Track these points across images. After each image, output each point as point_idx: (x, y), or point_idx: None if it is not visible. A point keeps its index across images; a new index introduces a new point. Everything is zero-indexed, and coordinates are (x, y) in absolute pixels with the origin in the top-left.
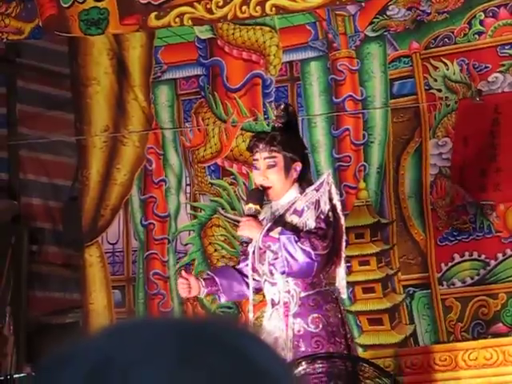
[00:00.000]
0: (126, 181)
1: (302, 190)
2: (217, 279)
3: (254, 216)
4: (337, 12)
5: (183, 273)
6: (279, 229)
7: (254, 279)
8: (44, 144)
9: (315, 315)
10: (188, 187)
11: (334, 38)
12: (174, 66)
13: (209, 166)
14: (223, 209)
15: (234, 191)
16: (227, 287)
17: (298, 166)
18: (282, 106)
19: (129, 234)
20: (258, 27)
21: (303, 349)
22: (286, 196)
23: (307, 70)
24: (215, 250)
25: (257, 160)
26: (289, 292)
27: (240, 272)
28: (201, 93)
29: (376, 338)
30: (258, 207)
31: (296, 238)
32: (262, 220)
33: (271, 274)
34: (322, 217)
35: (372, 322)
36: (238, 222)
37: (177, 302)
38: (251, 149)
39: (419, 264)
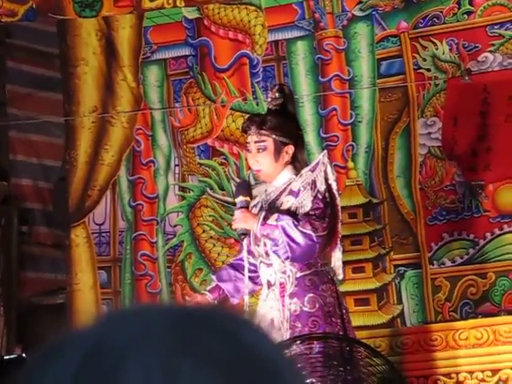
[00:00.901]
0: (114, 161)
1: (297, 171)
2: (221, 285)
3: (246, 207)
4: None
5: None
6: (276, 215)
7: (249, 262)
8: (34, 125)
9: (311, 295)
10: (177, 168)
11: (321, 17)
12: (163, 46)
13: (198, 147)
14: (211, 189)
15: (225, 171)
16: (233, 290)
17: (290, 148)
18: (277, 87)
19: (116, 214)
20: (242, 6)
21: (300, 329)
22: (279, 178)
23: (293, 49)
24: (203, 231)
25: (248, 143)
26: (285, 272)
27: (238, 269)
28: (190, 73)
29: (361, 318)
30: (248, 199)
31: (295, 222)
32: (257, 203)
33: (267, 254)
34: (320, 196)
35: (358, 302)
36: (227, 202)
37: (165, 283)
38: (244, 131)
39: (411, 244)
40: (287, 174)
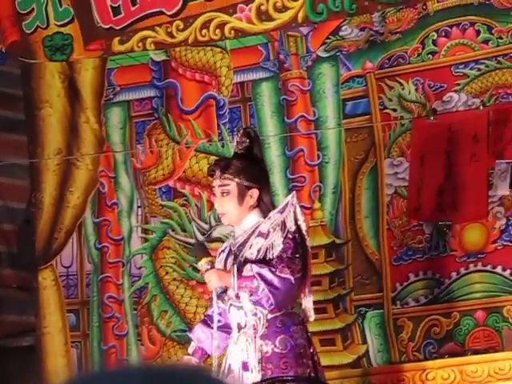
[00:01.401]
0: (80, 203)
1: (264, 214)
2: (201, 346)
3: (212, 267)
4: (289, 33)
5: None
6: (249, 266)
7: (218, 306)
8: None
9: (282, 336)
10: (139, 209)
11: (286, 58)
12: (127, 88)
13: (160, 188)
14: (173, 230)
15: (186, 212)
16: (213, 347)
17: (255, 192)
18: (242, 131)
19: (82, 257)
20: (208, 48)
21: (272, 370)
22: (246, 221)
23: (258, 90)
24: (166, 273)
25: (214, 187)
26: (256, 315)
27: (210, 324)
28: (154, 114)
29: (328, 358)
30: (210, 258)
31: (272, 268)
32: (225, 248)
33: (237, 297)
34: (290, 236)
35: (324, 342)
36: (189, 243)
37: (132, 325)
38: (210, 175)
39: (374, 283)
40: (254, 216)
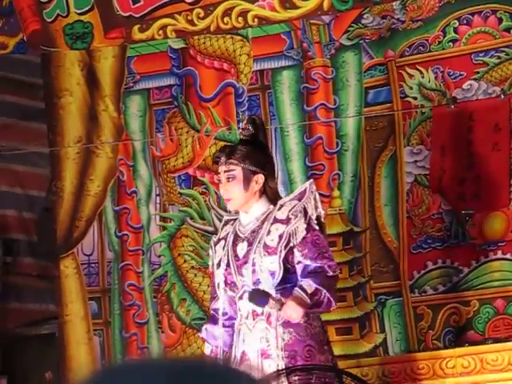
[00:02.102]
0: (100, 192)
1: (271, 201)
2: (214, 344)
3: (282, 303)
4: (311, 21)
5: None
6: (305, 282)
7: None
8: (17, 155)
9: (304, 324)
10: (157, 198)
11: (309, 46)
12: (146, 76)
13: (179, 176)
14: (191, 218)
15: (205, 200)
16: (225, 344)
17: (260, 178)
18: (247, 118)
19: (103, 245)
20: (228, 36)
21: (295, 359)
22: (255, 208)
23: (278, 78)
24: (184, 261)
25: (219, 173)
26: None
27: (216, 322)
28: (174, 102)
29: (343, 347)
30: (278, 297)
31: (326, 268)
32: (227, 235)
33: (254, 284)
34: (313, 224)
35: (340, 331)
36: (207, 231)
37: (152, 312)
38: (216, 161)
39: (391, 272)
40: (263, 203)
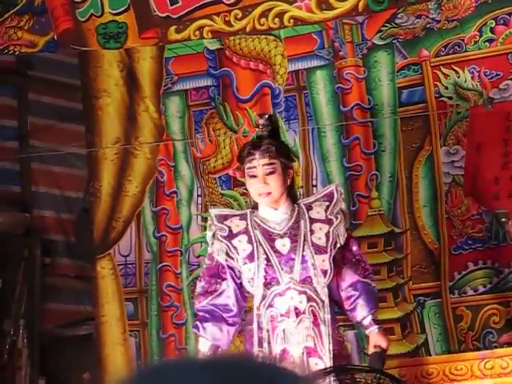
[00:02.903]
0: (138, 193)
1: (292, 198)
2: (218, 344)
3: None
4: (344, 20)
5: None
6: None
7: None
8: (55, 156)
9: (337, 324)
10: (199, 198)
11: (341, 46)
12: (184, 77)
13: (220, 177)
14: None
15: (246, 201)
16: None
17: (291, 173)
18: (267, 116)
19: (141, 245)
20: (262, 36)
21: (339, 358)
22: (286, 204)
23: (313, 78)
24: None
25: (254, 167)
26: (317, 301)
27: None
28: (211, 103)
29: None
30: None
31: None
32: (247, 227)
33: (304, 282)
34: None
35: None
36: None
37: (190, 313)
38: (244, 158)
39: (432, 273)
40: (289, 201)
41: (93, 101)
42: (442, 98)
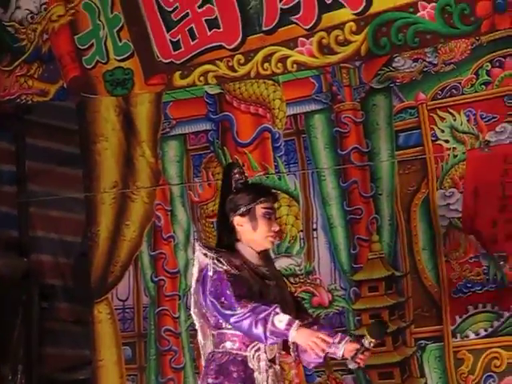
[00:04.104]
0: (136, 237)
1: None
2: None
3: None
4: (341, 64)
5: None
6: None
7: None
8: (53, 200)
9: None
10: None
11: (339, 90)
12: (182, 122)
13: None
14: None
15: None
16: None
17: None
18: (237, 166)
19: (139, 290)
20: (261, 81)
21: None
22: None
23: (311, 122)
24: None
25: (270, 209)
26: None
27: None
28: (210, 147)
29: None
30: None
31: None
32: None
33: None
34: None
35: (383, 376)
36: None
37: (189, 358)
38: (255, 198)
39: (433, 316)
40: None
41: (90, 145)
42: (438, 141)
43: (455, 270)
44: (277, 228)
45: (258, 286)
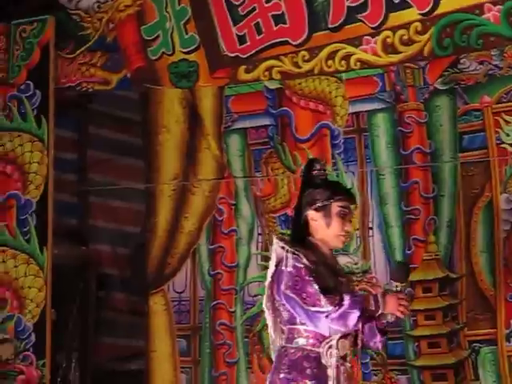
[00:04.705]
0: (195, 230)
1: None
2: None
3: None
4: (406, 64)
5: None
6: None
7: None
8: (113, 190)
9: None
10: (260, 237)
11: (402, 90)
12: (243, 116)
13: (279, 216)
14: None
15: None
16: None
17: None
18: (319, 162)
19: (196, 283)
20: (323, 77)
21: None
22: None
23: (374, 121)
24: None
25: (346, 208)
26: None
27: None
28: (270, 143)
29: None
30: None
31: None
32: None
33: None
34: None
35: (436, 377)
36: None
37: (242, 352)
38: (332, 195)
39: (488, 319)
40: None
41: (152, 136)
42: (503, 145)
43: None
44: (350, 228)
45: (333, 282)
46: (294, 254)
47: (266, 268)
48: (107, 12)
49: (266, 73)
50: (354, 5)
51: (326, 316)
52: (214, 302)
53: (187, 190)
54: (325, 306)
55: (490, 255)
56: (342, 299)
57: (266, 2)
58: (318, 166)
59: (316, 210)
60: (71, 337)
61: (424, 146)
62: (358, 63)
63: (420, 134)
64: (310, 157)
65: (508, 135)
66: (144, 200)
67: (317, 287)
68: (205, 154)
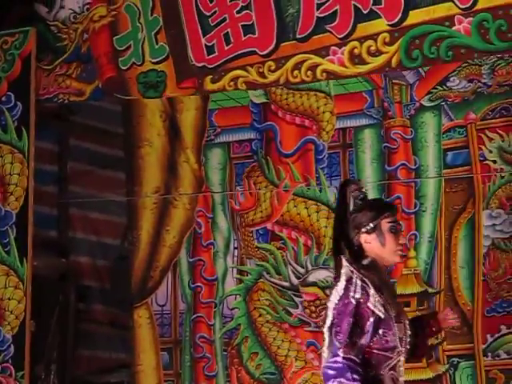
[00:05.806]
0: (176, 243)
1: None
2: None
3: None
4: (394, 81)
5: None
6: None
7: None
8: (94, 202)
9: None
10: (235, 251)
11: (390, 106)
12: (227, 129)
13: (257, 230)
14: (268, 273)
15: (282, 255)
16: None
17: None
18: (355, 182)
19: (177, 296)
20: (312, 93)
21: None
22: None
23: (360, 136)
24: (260, 315)
25: (397, 223)
26: None
27: None
28: (253, 157)
29: None
30: None
31: None
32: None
33: None
34: None
35: None
36: (283, 287)
37: (221, 366)
38: (381, 212)
39: (465, 334)
40: None
41: (135, 149)
42: (486, 162)
43: (492, 289)
44: (404, 241)
45: (396, 307)
46: (362, 281)
47: (241, 282)
48: (82, 23)
49: (231, 83)
50: (323, 15)
51: (332, 356)
52: (194, 316)
53: (169, 203)
54: (341, 352)
55: (469, 270)
56: (350, 359)
57: (237, 13)
58: (353, 187)
59: (367, 232)
60: (50, 349)
61: (409, 162)
62: (324, 74)
63: (405, 150)
64: (345, 179)
65: (491, 152)
66: (124, 212)
67: (348, 330)
68: (184, 167)
